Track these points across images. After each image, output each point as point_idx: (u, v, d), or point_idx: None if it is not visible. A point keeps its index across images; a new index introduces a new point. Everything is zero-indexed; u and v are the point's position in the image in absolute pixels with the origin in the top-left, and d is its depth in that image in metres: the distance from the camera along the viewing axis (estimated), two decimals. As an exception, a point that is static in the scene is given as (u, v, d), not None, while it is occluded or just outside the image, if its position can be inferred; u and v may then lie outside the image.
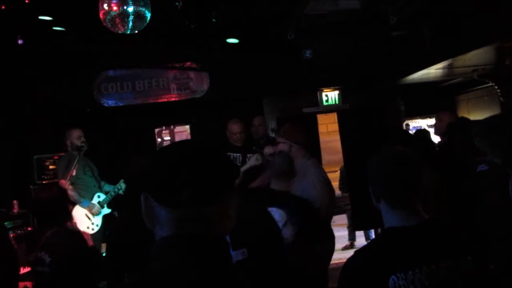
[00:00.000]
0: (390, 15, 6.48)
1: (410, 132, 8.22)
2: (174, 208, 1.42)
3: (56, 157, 7.71)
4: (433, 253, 2.09)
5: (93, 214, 6.69)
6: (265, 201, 3.71)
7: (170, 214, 1.43)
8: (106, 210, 6.85)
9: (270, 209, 3.44)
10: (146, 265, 1.40)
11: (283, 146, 4.74)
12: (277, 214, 3.54)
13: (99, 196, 6.82)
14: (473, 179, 3.89)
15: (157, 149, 8.89)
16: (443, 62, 7.08)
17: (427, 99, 9.40)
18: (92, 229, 6.68)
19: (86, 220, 6.66)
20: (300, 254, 3.61)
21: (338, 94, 9.07)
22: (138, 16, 5.13)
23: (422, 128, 9.21)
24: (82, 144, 6.74)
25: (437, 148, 6.07)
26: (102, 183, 7.00)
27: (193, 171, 1.41)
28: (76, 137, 6.82)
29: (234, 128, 6.50)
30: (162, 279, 1.35)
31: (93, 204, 6.72)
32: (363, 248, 2.35)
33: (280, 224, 3.55)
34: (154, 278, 1.36)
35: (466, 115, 8.93)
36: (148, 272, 1.38)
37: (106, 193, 6.87)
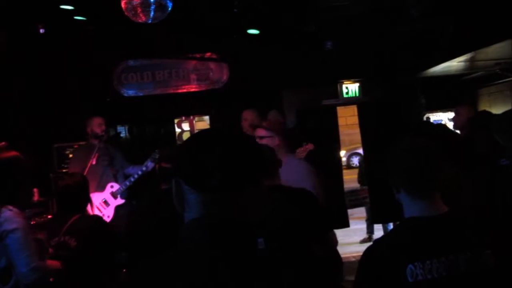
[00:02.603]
0: (412, 7, 6.42)
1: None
2: (203, 192, 1.45)
3: (76, 146, 7.71)
4: (452, 244, 2.08)
5: None
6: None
7: (199, 198, 1.46)
8: (119, 201, 6.65)
9: None
10: (173, 246, 1.45)
11: (267, 141, 4.52)
12: None
13: (112, 187, 6.64)
14: (495, 173, 3.84)
15: (177, 139, 8.94)
16: (465, 55, 7.01)
17: (448, 92, 9.31)
18: None
19: (97, 212, 6.39)
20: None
21: (359, 87, 9.02)
22: (160, 5, 5.17)
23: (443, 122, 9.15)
24: (103, 133, 6.68)
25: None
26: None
27: (223, 156, 1.45)
28: (97, 124, 6.71)
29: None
30: (186, 259, 1.40)
31: None
32: (382, 237, 2.36)
33: None
34: (179, 257, 1.41)
35: (487, 109, 8.84)
36: (173, 251, 1.44)
37: (126, 177, 6.71)
